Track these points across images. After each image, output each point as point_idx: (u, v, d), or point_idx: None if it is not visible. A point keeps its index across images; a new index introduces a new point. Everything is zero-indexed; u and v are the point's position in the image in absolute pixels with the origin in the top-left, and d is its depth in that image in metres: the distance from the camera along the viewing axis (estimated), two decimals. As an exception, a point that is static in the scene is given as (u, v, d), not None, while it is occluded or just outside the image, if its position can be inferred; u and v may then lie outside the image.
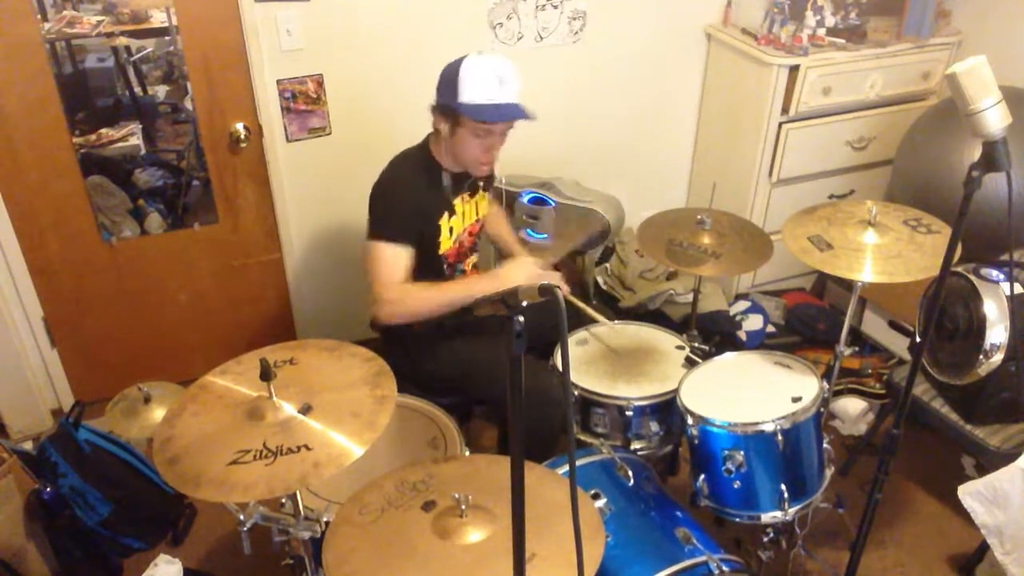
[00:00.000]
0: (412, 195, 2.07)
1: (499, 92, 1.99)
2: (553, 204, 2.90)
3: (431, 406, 2.09)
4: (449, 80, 1.99)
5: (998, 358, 2.18)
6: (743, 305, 3.28)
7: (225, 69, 2.62)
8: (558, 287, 1.02)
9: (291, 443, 1.38)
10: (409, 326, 2.12)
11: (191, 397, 1.56)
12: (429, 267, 2.14)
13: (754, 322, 3.20)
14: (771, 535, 2.04)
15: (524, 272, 2.11)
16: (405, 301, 2.04)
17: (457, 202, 2.18)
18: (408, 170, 2.12)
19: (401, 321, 2.08)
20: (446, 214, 2.14)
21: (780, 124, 3.04)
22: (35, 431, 2.81)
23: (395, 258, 2.04)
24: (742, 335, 3.13)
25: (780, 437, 1.83)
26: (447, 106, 2.01)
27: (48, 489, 2.18)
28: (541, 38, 2.97)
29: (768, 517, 1.91)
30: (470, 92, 1.97)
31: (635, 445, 2.13)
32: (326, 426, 1.42)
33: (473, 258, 2.35)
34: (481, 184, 2.27)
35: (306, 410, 1.45)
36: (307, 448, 1.37)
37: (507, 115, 2.01)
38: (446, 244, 2.17)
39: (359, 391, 1.51)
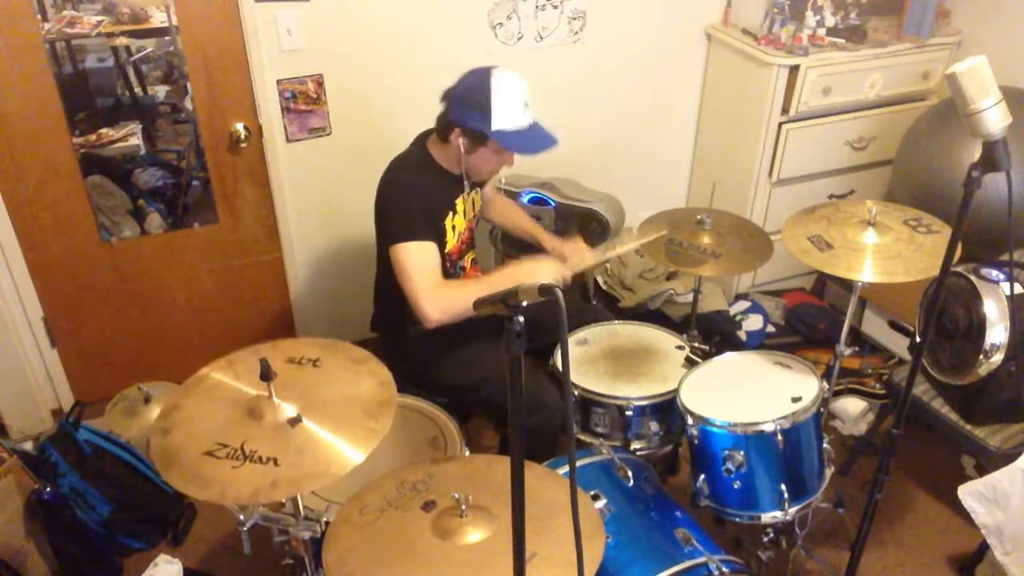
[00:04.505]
0: (422, 198, 2.08)
1: (524, 116, 2.02)
2: (553, 204, 2.90)
3: (431, 406, 2.09)
4: (479, 105, 1.98)
5: (998, 358, 2.18)
6: (743, 305, 3.28)
7: (225, 69, 2.62)
8: (558, 287, 1.02)
9: (263, 452, 1.38)
10: (406, 327, 2.13)
11: (220, 366, 1.59)
12: None
13: (754, 322, 3.20)
14: (771, 535, 2.04)
15: (551, 270, 2.07)
16: (452, 301, 1.97)
17: (459, 202, 2.19)
18: (413, 175, 2.12)
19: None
20: (451, 214, 2.15)
21: (780, 124, 3.04)
22: (35, 431, 2.81)
23: (427, 256, 2.03)
24: (742, 335, 3.13)
25: (780, 437, 1.83)
26: (479, 132, 2.01)
27: (48, 489, 2.18)
28: (541, 38, 2.97)
29: (768, 517, 1.91)
30: (502, 120, 1.98)
31: (635, 445, 2.13)
32: (301, 445, 1.41)
33: (471, 253, 2.36)
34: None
35: (295, 422, 1.45)
36: (275, 463, 1.36)
37: (544, 146, 2.03)
38: (451, 243, 2.18)
39: (355, 415, 1.49)
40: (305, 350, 1.62)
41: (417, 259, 2.01)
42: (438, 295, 1.98)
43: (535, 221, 2.54)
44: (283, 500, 1.65)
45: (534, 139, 2.04)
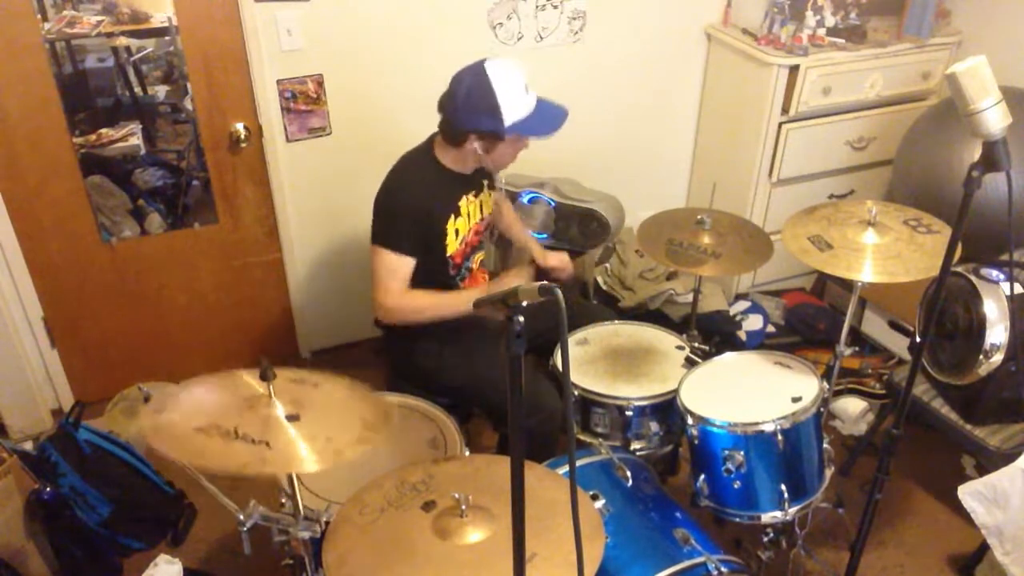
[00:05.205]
0: (418, 203, 2.08)
1: (529, 97, 2.03)
2: (553, 204, 2.90)
3: (431, 406, 2.09)
4: (486, 106, 1.97)
5: (998, 358, 2.18)
6: (743, 305, 3.28)
7: (225, 69, 2.62)
8: (558, 287, 1.02)
9: (257, 435, 1.38)
10: (409, 326, 2.13)
11: (230, 375, 1.56)
12: (437, 268, 2.15)
13: (754, 322, 3.20)
14: (771, 535, 2.04)
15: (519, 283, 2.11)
16: (402, 310, 2.10)
17: (463, 203, 2.19)
18: (414, 177, 2.12)
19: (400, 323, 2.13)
20: (452, 216, 2.15)
21: (780, 124, 3.04)
22: (35, 431, 2.81)
23: (396, 267, 2.07)
24: (742, 335, 3.13)
25: (780, 437, 1.83)
26: (495, 132, 2.01)
27: (48, 489, 2.18)
28: (541, 38, 2.97)
29: (768, 517, 1.91)
30: (512, 112, 1.99)
31: (635, 445, 2.13)
32: (297, 436, 1.40)
33: (479, 255, 2.36)
34: (486, 183, 2.28)
35: (293, 418, 1.44)
36: (267, 445, 1.36)
37: (559, 121, 2.06)
38: (453, 246, 2.17)
39: (351, 424, 1.48)
40: (307, 376, 1.60)
41: (388, 268, 2.07)
42: (392, 303, 2.08)
43: (531, 235, 2.58)
44: (277, 483, 1.64)
45: (548, 118, 2.06)
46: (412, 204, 2.07)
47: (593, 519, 1.50)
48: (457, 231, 2.18)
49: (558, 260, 2.41)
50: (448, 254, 2.17)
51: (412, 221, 2.07)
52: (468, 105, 1.99)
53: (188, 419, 1.42)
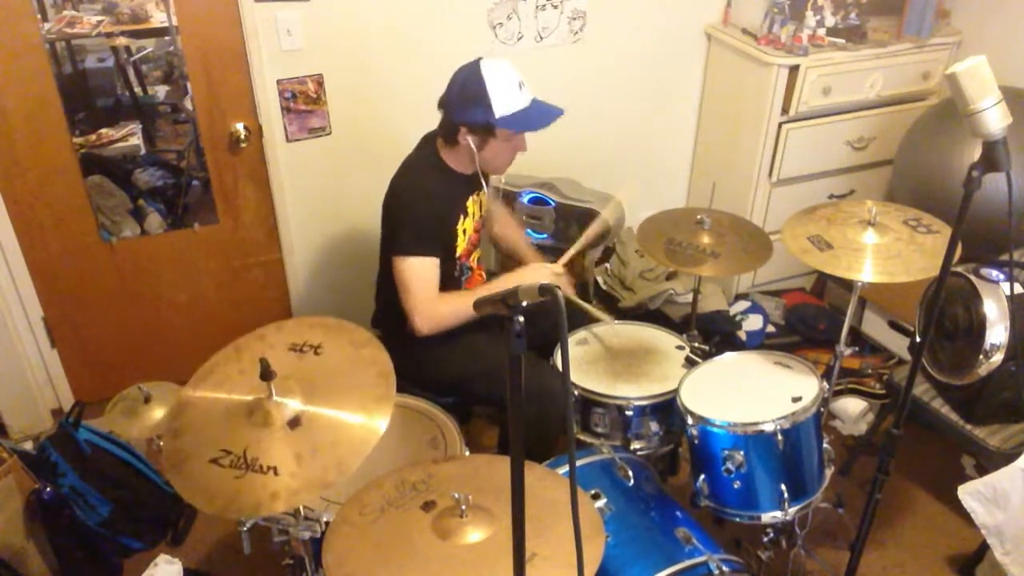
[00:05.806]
0: (435, 206, 2.08)
1: (523, 96, 2.04)
2: (553, 204, 2.90)
3: (431, 406, 2.09)
4: (476, 98, 1.99)
5: (998, 358, 2.18)
6: (743, 305, 3.28)
7: (225, 69, 2.62)
8: (558, 287, 1.02)
9: (264, 461, 1.37)
10: (407, 325, 2.13)
11: (235, 353, 1.58)
12: (445, 270, 2.15)
13: (754, 322, 3.20)
14: (771, 535, 2.04)
15: (540, 276, 2.16)
16: (444, 316, 2.07)
17: (469, 204, 2.20)
18: (427, 181, 2.12)
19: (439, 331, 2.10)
20: (462, 217, 2.16)
21: (780, 124, 3.04)
22: (35, 431, 2.81)
23: (427, 272, 2.07)
24: (742, 335, 3.13)
25: (780, 437, 1.83)
26: (484, 124, 2.02)
27: (48, 489, 2.17)
28: (541, 38, 2.97)
29: (768, 517, 1.91)
30: (503, 105, 2.00)
31: (635, 445, 2.13)
32: (299, 451, 1.40)
33: (477, 252, 2.36)
34: (483, 181, 2.28)
35: (294, 424, 1.44)
36: (275, 473, 1.36)
37: (550, 118, 2.05)
38: (461, 246, 2.18)
39: (354, 415, 1.47)
40: (308, 334, 1.61)
41: (418, 274, 2.06)
42: (431, 311, 2.06)
43: (530, 243, 2.57)
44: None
45: (540, 114, 2.06)
46: (432, 207, 2.07)
47: (593, 519, 1.50)
48: (464, 231, 2.19)
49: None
50: (457, 255, 2.18)
51: (436, 222, 2.08)
52: (460, 98, 2.02)
53: (202, 446, 1.43)
